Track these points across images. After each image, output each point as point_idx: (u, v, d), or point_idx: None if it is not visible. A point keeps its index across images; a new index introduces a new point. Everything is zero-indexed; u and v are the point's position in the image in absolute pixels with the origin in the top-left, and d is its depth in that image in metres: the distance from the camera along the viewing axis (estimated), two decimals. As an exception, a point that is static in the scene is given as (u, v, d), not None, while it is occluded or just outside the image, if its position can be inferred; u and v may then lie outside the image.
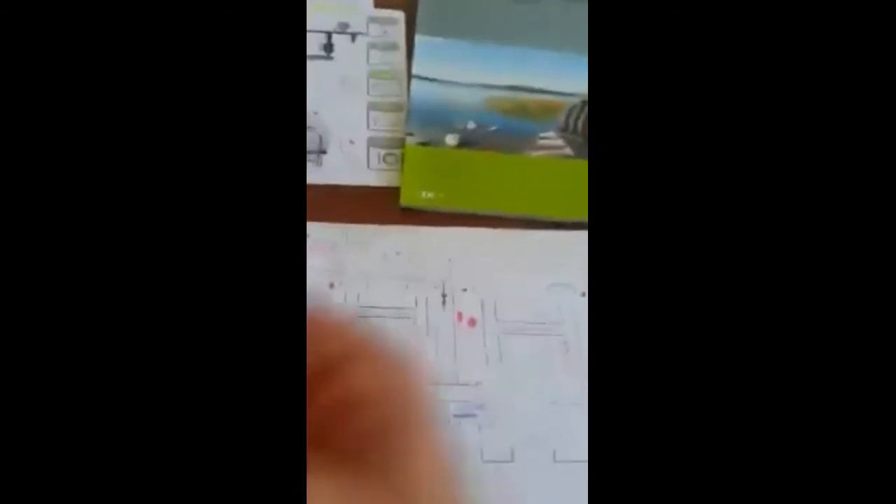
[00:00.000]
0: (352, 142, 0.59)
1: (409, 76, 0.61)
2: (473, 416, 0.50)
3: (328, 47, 0.63)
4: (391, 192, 0.57)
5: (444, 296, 0.54)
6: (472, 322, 0.53)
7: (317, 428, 0.32)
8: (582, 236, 0.56)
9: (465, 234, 0.56)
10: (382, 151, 0.59)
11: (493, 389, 0.51)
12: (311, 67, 0.62)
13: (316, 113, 0.60)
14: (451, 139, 0.58)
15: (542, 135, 0.58)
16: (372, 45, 0.63)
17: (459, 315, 0.53)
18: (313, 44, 0.63)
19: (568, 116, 0.59)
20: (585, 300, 0.54)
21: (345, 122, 0.60)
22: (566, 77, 0.60)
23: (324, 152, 0.59)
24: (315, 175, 0.58)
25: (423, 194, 0.56)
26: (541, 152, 0.58)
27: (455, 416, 0.50)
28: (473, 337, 0.53)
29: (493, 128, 0.58)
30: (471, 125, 0.58)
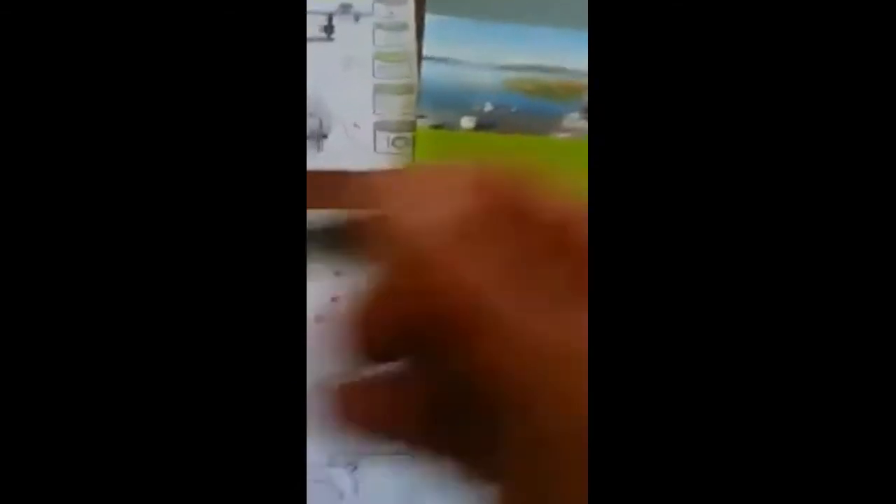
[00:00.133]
0: (356, 125, 0.55)
1: (420, 57, 0.56)
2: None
3: (328, 29, 0.59)
4: (401, 176, 0.52)
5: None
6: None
7: None
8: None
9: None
10: (392, 135, 0.55)
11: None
12: (311, 50, 0.57)
13: (316, 97, 0.56)
14: (467, 121, 0.54)
15: (566, 116, 0.54)
16: (378, 26, 0.59)
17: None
18: (312, 25, 0.59)
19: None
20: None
21: (348, 105, 0.56)
22: (586, 57, 0.56)
23: (324, 136, 0.54)
24: (316, 160, 0.54)
25: (438, 178, 0.52)
26: (563, 134, 0.54)
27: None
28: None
29: (514, 109, 0.54)
30: (488, 107, 0.54)
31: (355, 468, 0.43)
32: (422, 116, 0.54)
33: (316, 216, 0.38)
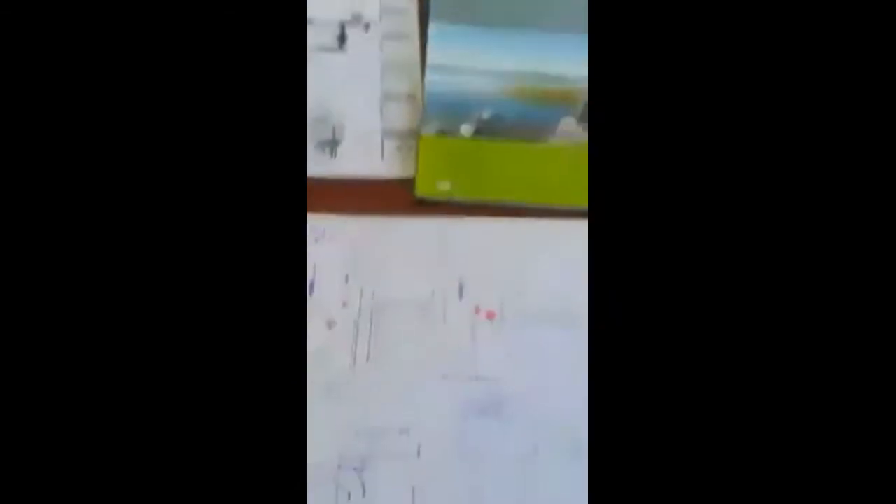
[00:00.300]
0: (366, 133, 0.58)
1: (423, 65, 0.59)
2: (492, 411, 0.49)
3: (342, 38, 0.61)
4: (406, 184, 0.56)
5: (461, 288, 0.52)
6: (491, 315, 0.52)
7: None
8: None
9: (483, 224, 0.54)
10: (397, 142, 0.58)
11: (514, 384, 0.50)
12: (324, 59, 0.60)
13: (330, 105, 0.59)
14: (466, 128, 0.57)
15: (561, 122, 0.57)
16: (385, 36, 0.61)
17: (477, 308, 0.52)
18: (327, 35, 0.61)
19: (587, 103, 0.57)
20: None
21: (358, 113, 0.59)
22: (585, 63, 0.58)
23: (338, 144, 0.58)
24: (329, 167, 0.57)
25: (439, 185, 0.55)
26: (560, 140, 0.56)
27: (474, 411, 0.48)
28: (492, 330, 0.51)
29: (511, 116, 0.57)
30: (487, 114, 0.57)
31: (363, 470, 0.46)
32: (425, 124, 0.57)
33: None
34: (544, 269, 0.53)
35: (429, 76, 0.58)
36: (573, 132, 0.56)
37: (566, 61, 0.58)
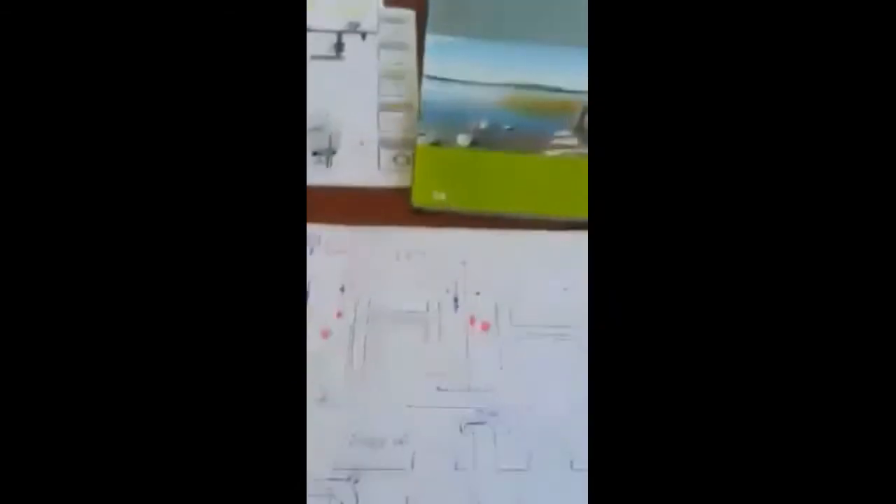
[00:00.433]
0: (362, 143, 0.58)
1: (420, 76, 0.59)
2: (487, 423, 0.49)
3: (339, 47, 0.61)
4: (402, 193, 0.56)
5: (456, 299, 0.52)
6: (486, 326, 0.52)
7: None
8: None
9: (478, 235, 0.54)
10: (393, 152, 0.58)
11: (509, 395, 0.50)
12: (322, 68, 0.61)
13: (326, 114, 0.59)
14: (462, 139, 0.57)
15: (557, 134, 0.57)
16: (382, 45, 0.62)
17: (472, 319, 0.52)
18: (324, 44, 0.62)
19: (582, 115, 0.57)
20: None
21: (355, 122, 0.59)
22: (581, 75, 0.58)
23: (334, 153, 0.58)
24: (325, 176, 0.57)
25: (435, 195, 0.55)
26: (556, 151, 0.57)
27: (468, 423, 0.48)
28: (487, 341, 0.51)
29: (507, 127, 0.57)
30: (483, 124, 0.57)
31: (357, 481, 0.46)
32: (421, 134, 0.57)
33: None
34: (540, 281, 0.53)
35: (426, 86, 0.58)
36: (569, 143, 0.57)
37: (563, 73, 0.58)
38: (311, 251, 0.53)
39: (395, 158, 0.58)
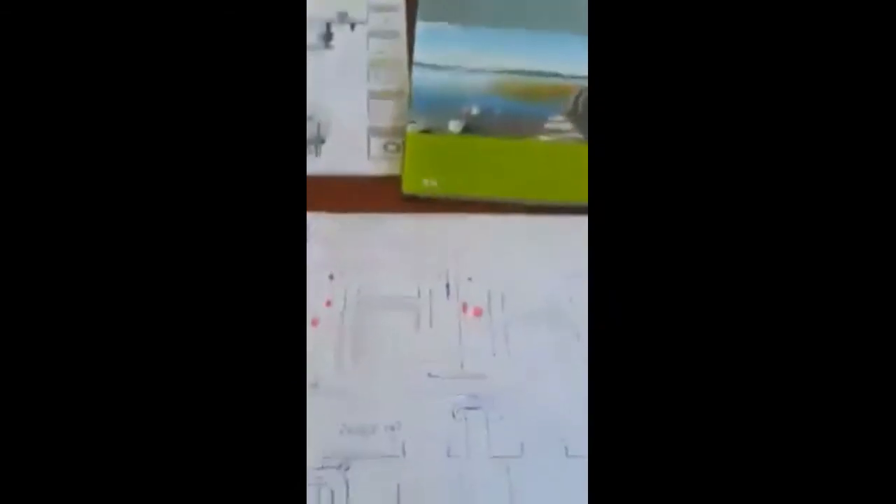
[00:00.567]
0: (352, 131, 0.58)
1: (411, 63, 0.59)
2: (480, 409, 0.48)
3: (327, 36, 0.61)
4: (393, 181, 0.55)
5: (448, 286, 0.51)
6: (478, 312, 0.51)
7: None
8: (592, 222, 0.53)
9: (470, 221, 0.54)
10: (384, 140, 0.57)
11: (501, 382, 0.49)
12: (310, 57, 0.60)
13: (315, 102, 0.58)
14: (454, 125, 0.56)
15: (549, 119, 0.56)
16: (372, 34, 0.61)
17: (465, 305, 0.51)
18: (312, 33, 0.61)
19: (577, 99, 0.57)
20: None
21: (345, 111, 0.58)
22: (573, 59, 0.57)
23: (322, 142, 0.57)
24: (314, 165, 0.56)
25: (426, 182, 0.54)
26: (548, 137, 0.56)
27: (461, 409, 0.47)
28: (480, 328, 0.50)
29: (498, 112, 0.56)
30: (475, 110, 0.56)
31: (347, 468, 0.45)
32: (412, 121, 0.56)
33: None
34: (533, 267, 0.52)
35: (416, 73, 0.58)
36: (563, 128, 0.56)
37: (555, 58, 0.58)
38: (301, 240, 0.52)
39: (385, 146, 0.57)
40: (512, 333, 0.50)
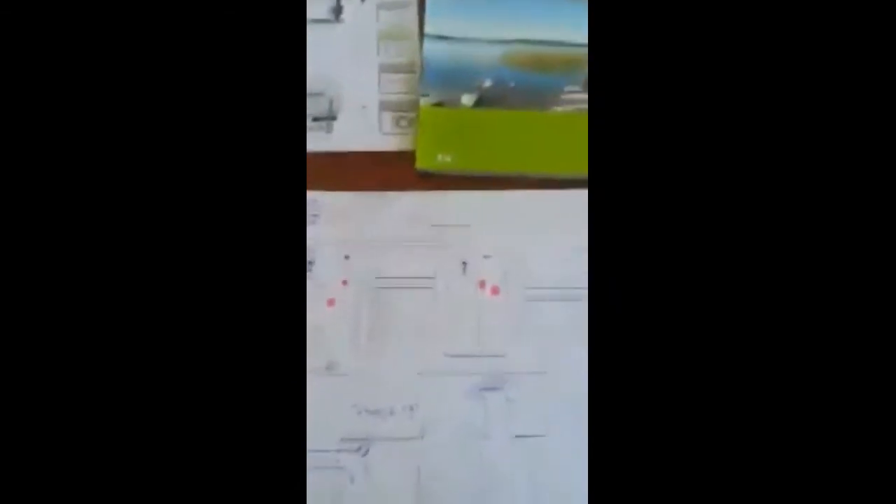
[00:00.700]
0: (364, 106, 0.56)
1: (422, 35, 0.57)
2: (500, 388, 0.47)
3: (337, 10, 0.60)
4: (406, 157, 0.54)
5: (464, 263, 0.51)
6: (496, 290, 0.50)
7: None
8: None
9: (485, 197, 0.53)
10: (396, 115, 0.56)
11: (521, 360, 0.48)
12: (320, 32, 0.59)
13: (326, 78, 0.57)
14: (467, 99, 0.55)
15: (566, 89, 0.55)
16: (381, 6, 0.60)
17: (482, 283, 0.50)
18: (322, 7, 0.60)
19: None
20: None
21: (356, 86, 0.57)
22: (585, 28, 0.56)
23: (334, 118, 0.56)
24: (325, 142, 0.55)
25: (440, 157, 0.53)
26: (565, 107, 0.54)
27: (480, 389, 0.47)
28: (497, 306, 0.49)
29: (512, 84, 0.55)
30: (488, 83, 0.55)
31: (366, 452, 0.45)
32: (424, 95, 0.55)
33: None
34: (551, 242, 0.51)
35: (427, 45, 0.56)
36: (578, 100, 0.54)
37: (567, 27, 0.56)
38: (315, 219, 0.52)
39: (397, 121, 0.56)
40: (531, 310, 0.49)
